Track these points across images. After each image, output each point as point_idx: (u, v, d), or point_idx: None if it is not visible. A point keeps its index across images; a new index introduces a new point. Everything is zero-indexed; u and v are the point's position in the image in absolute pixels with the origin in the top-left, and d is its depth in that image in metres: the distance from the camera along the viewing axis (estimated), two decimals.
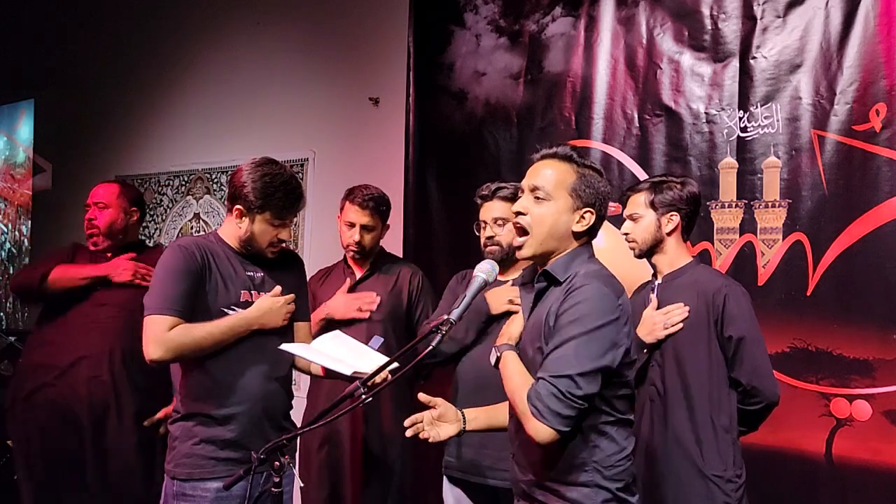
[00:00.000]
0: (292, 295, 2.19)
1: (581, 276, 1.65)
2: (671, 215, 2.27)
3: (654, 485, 2.21)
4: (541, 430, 1.56)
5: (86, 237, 2.93)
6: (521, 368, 1.70)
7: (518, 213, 1.75)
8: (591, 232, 1.77)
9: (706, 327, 2.17)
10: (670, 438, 2.19)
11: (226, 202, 2.21)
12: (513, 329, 1.85)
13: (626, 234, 2.34)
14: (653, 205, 2.28)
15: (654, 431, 2.22)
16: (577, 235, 1.74)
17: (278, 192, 2.11)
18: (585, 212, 1.72)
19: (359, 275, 2.86)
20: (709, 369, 2.17)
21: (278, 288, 2.17)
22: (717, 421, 2.16)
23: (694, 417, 2.16)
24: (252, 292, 2.17)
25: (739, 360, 2.16)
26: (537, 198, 1.72)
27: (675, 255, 2.30)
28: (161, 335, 1.98)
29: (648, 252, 2.32)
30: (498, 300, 2.38)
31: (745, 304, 2.20)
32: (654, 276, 2.35)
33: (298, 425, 2.37)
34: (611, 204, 3.09)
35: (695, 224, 2.37)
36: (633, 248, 2.34)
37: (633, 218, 2.31)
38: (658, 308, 2.28)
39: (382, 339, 2.49)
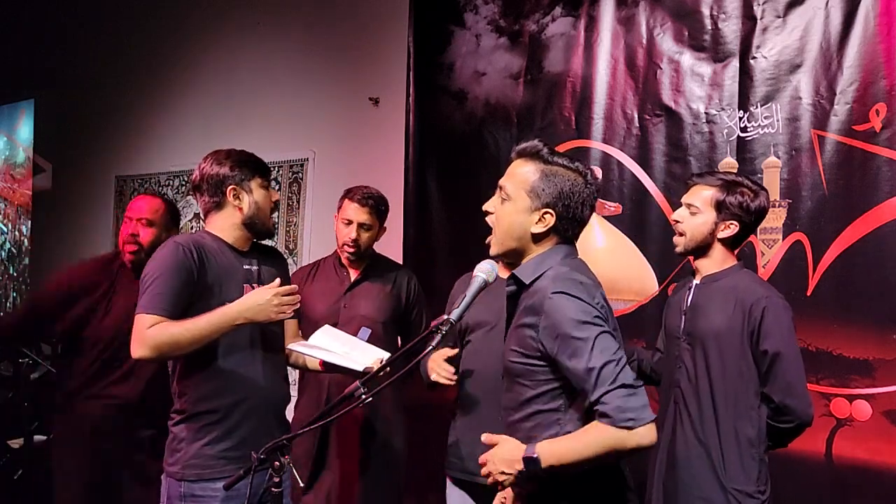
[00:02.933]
0: (291, 286, 2.09)
1: (548, 286, 1.59)
2: (731, 223, 2.15)
3: (673, 489, 2.16)
4: (645, 433, 1.49)
5: (122, 251, 2.79)
6: (560, 440, 1.56)
7: (486, 213, 1.75)
8: (560, 233, 1.67)
9: (740, 337, 2.08)
10: (692, 445, 2.12)
11: (207, 201, 2.17)
12: (505, 447, 1.60)
13: (676, 221, 2.21)
14: (718, 206, 2.14)
15: (677, 435, 2.16)
16: (536, 237, 1.66)
17: (248, 156, 2.20)
18: (545, 213, 1.64)
19: (353, 276, 2.86)
20: (737, 380, 2.09)
21: (277, 280, 2.10)
22: (742, 433, 2.07)
23: (718, 427, 2.09)
24: (254, 285, 2.15)
25: (773, 377, 2.07)
26: (502, 198, 1.70)
27: (720, 260, 2.20)
28: (141, 333, 1.97)
29: (693, 251, 2.21)
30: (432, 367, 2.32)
31: (786, 318, 2.09)
32: (693, 275, 2.27)
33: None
34: (611, 204, 3.16)
35: (748, 237, 2.26)
36: (677, 243, 2.23)
37: (690, 209, 2.19)
38: (690, 309, 2.21)
39: (370, 331, 2.49)
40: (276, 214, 4.12)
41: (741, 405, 2.09)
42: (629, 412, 1.47)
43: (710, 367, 2.12)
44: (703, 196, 2.18)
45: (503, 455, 1.57)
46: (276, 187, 4.24)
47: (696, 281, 2.24)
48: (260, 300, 2.03)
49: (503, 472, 1.56)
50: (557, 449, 1.54)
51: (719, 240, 2.18)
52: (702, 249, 2.20)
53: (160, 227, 2.82)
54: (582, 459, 1.52)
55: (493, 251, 1.74)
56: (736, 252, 2.25)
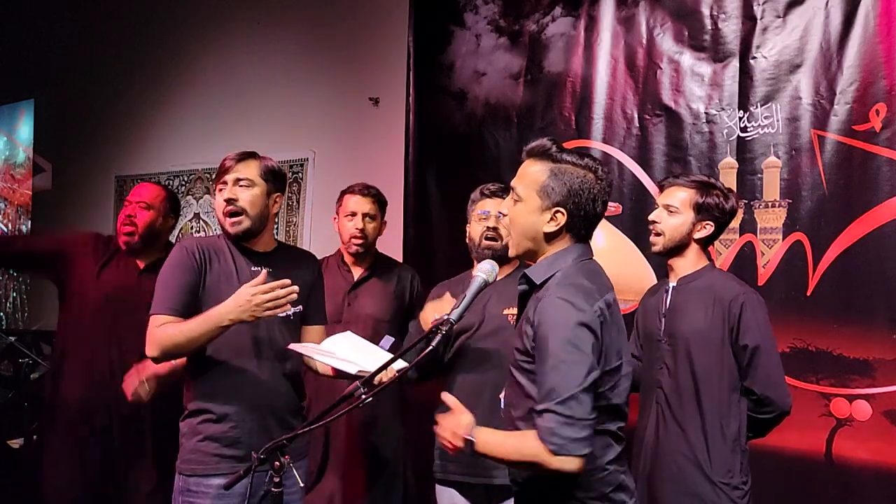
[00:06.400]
0: (278, 282, 1.98)
1: (552, 288, 1.60)
2: (707, 223, 2.22)
3: (660, 487, 2.19)
4: (567, 463, 1.50)
5: (118, 233, 2.80)
6: (501, 433, 1.62)
7: (502, 214, 1.76)
8: (574, 231, 1.67)
9: (720, 334, 2.15)
10: (678, 443, 2.16)
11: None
12: (455, 419, 1.65)
13: (654, 221, 2.27)
14: (695, 206, 2.22)
15: (660, 435, 2.20)
16: (549, 236, 1.67)
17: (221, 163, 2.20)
18: (556, 212, 1.65)
19: (357, 274, 2.85)
20: (720, 376, 2.15)
21: (261, 276, 2.00)
22: (727, 428, 2.14)
23: (703, 423, 2.14)
24: None
25: (753, 370, 2.14)
26: (514, 199, 1.71)
27: (695, 260, 2.26)
28: (151, 333, 2.03)
29: (670, 251, 2.27)
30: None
31: (762, 313, 2.18)
32: (668, 277, 2.32)
33: None
34: (611, 204, 3.15)
35: (719, 237, 2.32)
36: (655, 243, 2.28)
37: (668, 209, 2.25)
38: (669, 311, 2.25)
39: (394, 339, 2.48)
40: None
41: (724, 401, 2.15)
42: (557, 438, 1.49)
43: (694, 366, 2.17)
44: (680, 197, 2.25)
45: (451, 425, 1.62)
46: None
47: (672, 283, 2.29)
48: (240, 300, 1.97)
49: (447, 440, 1.62)
50: (491, 441, 1.59)
51: (695, 240, 2.25)
52: (678, 249, 2.26)
53: (158, 212, 2.81)
54: (507, 459, 1.59)
55: (511, 252, 1.77)
56: (707, 252, 2.31)
